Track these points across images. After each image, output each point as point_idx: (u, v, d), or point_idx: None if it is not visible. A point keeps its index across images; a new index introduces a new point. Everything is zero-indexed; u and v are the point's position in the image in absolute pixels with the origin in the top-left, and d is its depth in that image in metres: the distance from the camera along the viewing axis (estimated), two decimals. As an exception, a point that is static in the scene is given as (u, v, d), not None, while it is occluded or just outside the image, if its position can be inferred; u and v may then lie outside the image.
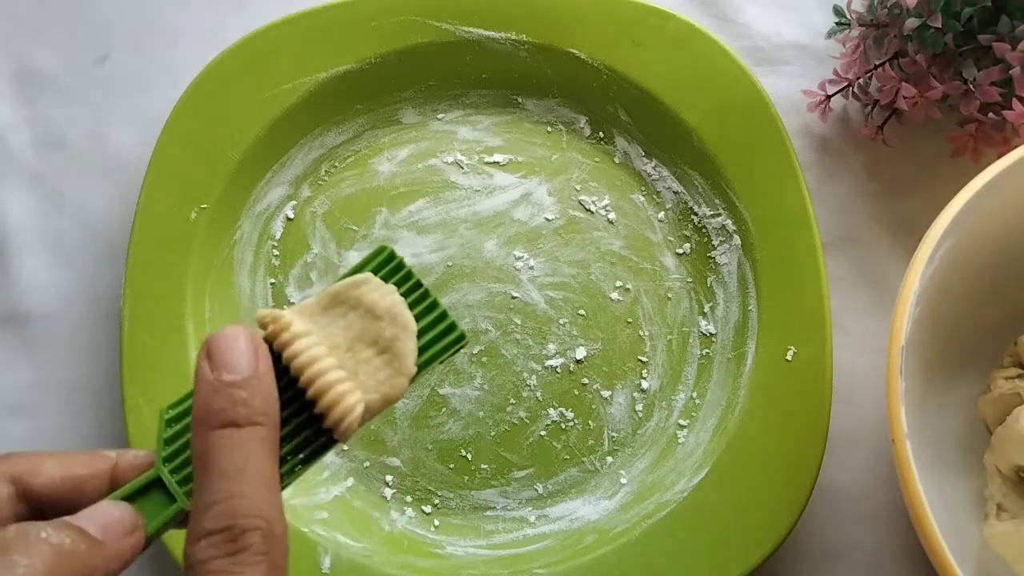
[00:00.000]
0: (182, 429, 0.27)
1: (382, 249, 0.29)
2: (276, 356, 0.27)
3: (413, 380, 0.27)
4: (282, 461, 0.26)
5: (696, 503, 0.40)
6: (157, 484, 0.26)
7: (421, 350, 0.28)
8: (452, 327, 0.28)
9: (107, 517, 0.24)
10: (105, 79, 0.49)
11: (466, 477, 0.43)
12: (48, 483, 0.25)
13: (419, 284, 0.29)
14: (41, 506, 0.25)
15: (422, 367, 0.28)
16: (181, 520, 0.26)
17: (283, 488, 0.26)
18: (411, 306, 0.28)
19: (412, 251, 0.45)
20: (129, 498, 0.26)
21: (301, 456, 0.27)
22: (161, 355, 0.42)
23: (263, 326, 0.27)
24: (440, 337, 0.28)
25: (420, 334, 0.28)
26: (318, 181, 0.46)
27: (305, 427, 0.27)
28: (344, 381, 0.26)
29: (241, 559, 0.23)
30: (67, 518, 0.24)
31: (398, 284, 0.28)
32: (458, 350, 0.28)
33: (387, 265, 0.29)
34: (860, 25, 0.44)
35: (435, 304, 0.28)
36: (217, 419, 0.25)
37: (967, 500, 0.40)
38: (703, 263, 0.45)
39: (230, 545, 0.23)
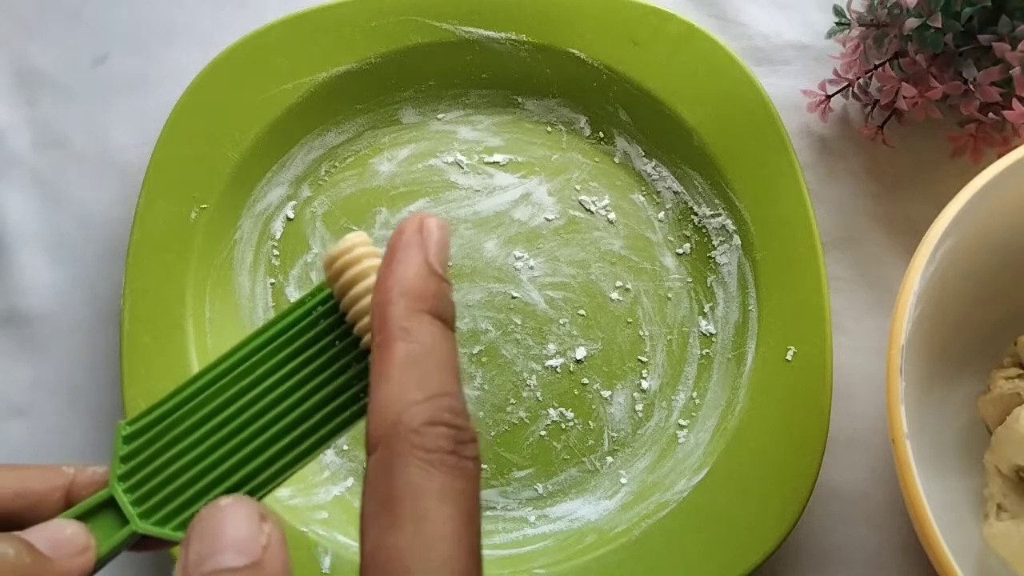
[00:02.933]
0: (140, 446, 0.26)
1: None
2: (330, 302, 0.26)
3: None
4: (340, 409, 0.26)
5: (696, 503, 0.40)
6: (112, 504, 0.25)
7: None
8: None
9: (58, 534, 0.23)
10: (105, 79, 0.49)
11: (466, 477, 0.43)
12: (1, 498, 0.24)
13: None
14: None
15: None
16: (134, 544, 0.25)
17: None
18: None
19: (412, 251, 0.45)
20: (84, 516, 0.25)
21: (359, 405, 0.26)
22: (161, 355, 0.42)
23: (339, 268, 0.26)
24: None
25: None
26: (318, 181, 0.46)
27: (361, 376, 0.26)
28: None
29: (467, 466, 0.22)
30: (16, 532, 0.23)
31: None
32: None
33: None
34: (860, 25, 0.44)
35: None
36: (430, 304, 0.23)
37: (967, 500, 0.40)
38: (703, 263, 0.45)
39: (462, 447, 0.22)
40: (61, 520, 0.24)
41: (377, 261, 0.25)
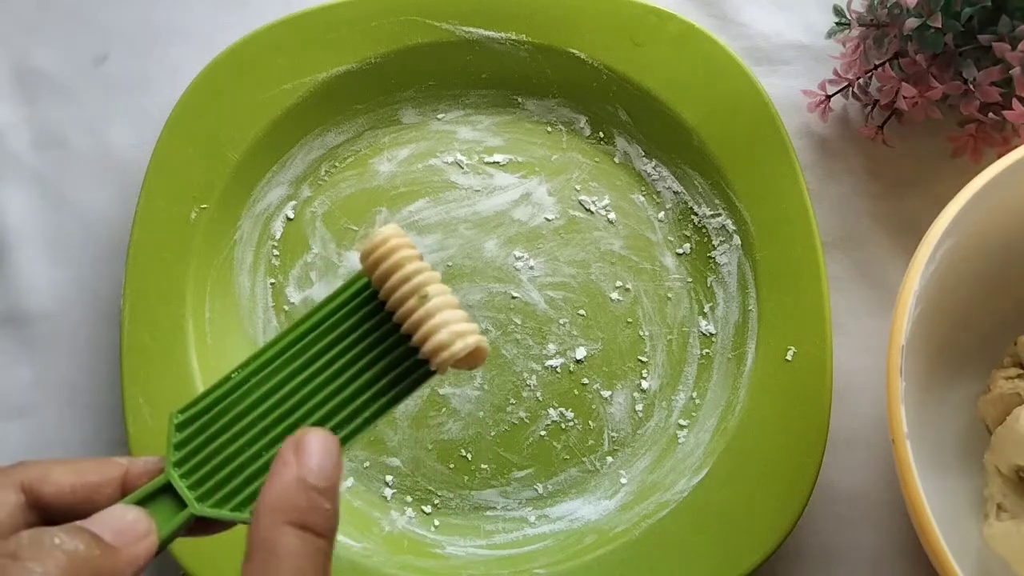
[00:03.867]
0: (192, 434, 0.27)
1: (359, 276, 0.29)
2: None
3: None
4: (383, 391, 0.27)
5: (696, 503, 0.40)
6: (168, 490, 0.26)
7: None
8: None
9: (120, 522, 0.24)
10: (105, 79, 0.49)
11: (466, 477, 0.43)
12: (58, 491, 0.25)
13: None
14: (51, 515, 0.25)
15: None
16: (192, 527, 0.26)
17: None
18: None
19: (412, 251, 0.45)
20: (141, 503, 0.26)
21: (402, 385, 0.27)
22: (161, 355, 0.42)
23: (375, 259, 0.27)
24: None
25: None
26: (318, 181, 0.46)
27: (399, 361, 0.27)
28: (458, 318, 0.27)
29: None
30: (80, 523, 0.24)
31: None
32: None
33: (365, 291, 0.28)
34: (860, 25, 0.44)
35: None
36: (296, 516, 0.24)
37: (967, 500, 0.40)
38: (703, 263, 0.45)
39: None
40: (120, 506, 0.25)
41: (411, 251, 0.27)
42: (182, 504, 0.26)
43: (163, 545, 0.25)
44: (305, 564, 0.24)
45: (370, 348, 0.27)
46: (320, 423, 0.27)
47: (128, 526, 0.24)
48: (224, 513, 0.26)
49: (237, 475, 0.26)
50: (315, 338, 0.28)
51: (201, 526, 0.26)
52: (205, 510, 0.26)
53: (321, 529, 0.24)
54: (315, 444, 0.25)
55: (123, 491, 0.26)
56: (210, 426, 0.27)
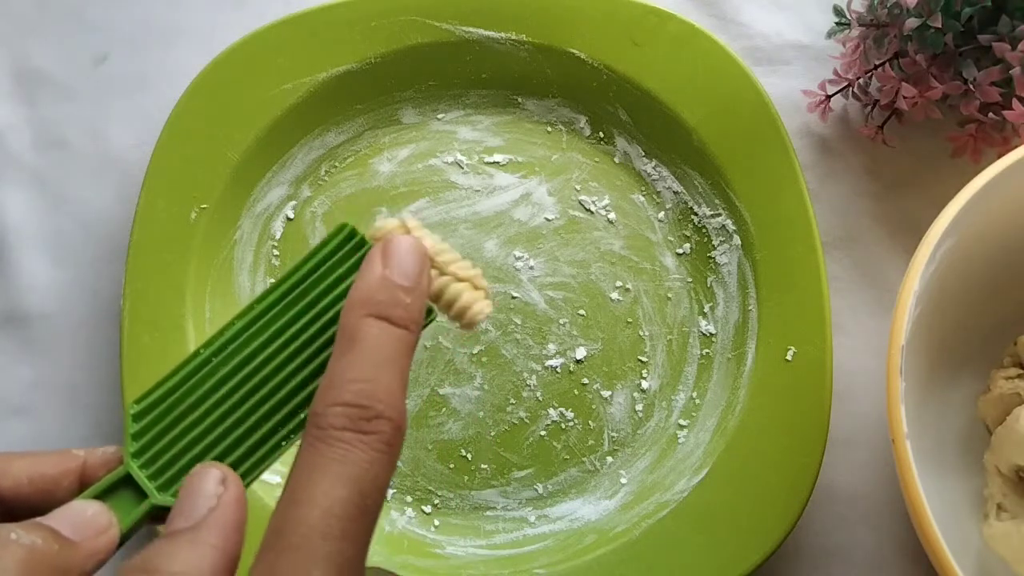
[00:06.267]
0: (150, 423, 0.27)
1: (343, 226, 0.28)
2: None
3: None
4: None
5: (696, 503, 0.40)
6: (128, 481, 0.26)
7: None
8: None
9: (80, 516, 0.24)
10: (105, 79, 0.49)
11: (466, 477, 0.43)
12: (16, 485, 0.25)
13: None
14: (10, 509, 0.25)
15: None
16: (155, 516, 0.26)
17: None
18: None
19: (412, 251, 0.45)
20: (101, 496, 0.25)
21: None
22: (161, 355, 0.42)
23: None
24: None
25: None
26: (318, 181, 0.46)
27: None
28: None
29: (369, 441, 0.24)
30: (39, 519, 0.24)
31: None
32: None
33: (350, 241, 0.28)
34: (860, 25, 0.44)
35: None
36: (376, 308, 0.26)
37: (967, 500, 0.40)
38: (703, 263, 0.45)
39: (363, 423, 0.24)
40: (81, 501, 0.25)
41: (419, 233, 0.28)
42: (143, 495, 0.26)
43: (126, 537, 0.25)
44: (383, 347, 0.25)
45: (327, 326, 0.27)
46: (283, 402, 0.26)
47: (88, 520, 0.24)
48: None
49: (199, 460, 0.26)
50: (267, 322, 0.27)
51: (166, 514, 0.26)
52: (167, 499, 0.25)
53: (402, 321, 0.26)
54: (398, 246, 0.27)
55: (81, 483, 0.26)
56: (169, 412, 0.27)
